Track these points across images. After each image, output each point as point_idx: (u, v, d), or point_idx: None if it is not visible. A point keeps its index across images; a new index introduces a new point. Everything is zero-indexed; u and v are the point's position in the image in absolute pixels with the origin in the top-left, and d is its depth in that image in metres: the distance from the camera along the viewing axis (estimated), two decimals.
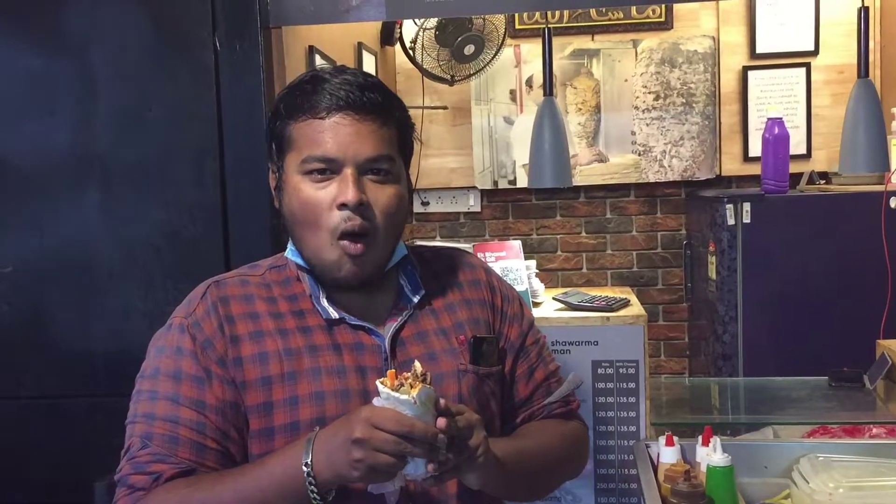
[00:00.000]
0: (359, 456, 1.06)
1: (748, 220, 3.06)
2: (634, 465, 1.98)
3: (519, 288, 2.39)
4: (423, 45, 3.27)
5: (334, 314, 1.25)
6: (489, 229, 3.97)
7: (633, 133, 3.78)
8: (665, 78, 3.74)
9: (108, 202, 2.11)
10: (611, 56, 3.78)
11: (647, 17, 3.75)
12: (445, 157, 3.88)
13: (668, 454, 1.87)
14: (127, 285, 2.11)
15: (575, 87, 3.80)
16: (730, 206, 3.06)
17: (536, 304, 2.53)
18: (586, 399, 2.24)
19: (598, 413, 2.26)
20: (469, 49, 3.31)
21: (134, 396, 1.23)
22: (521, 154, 3.78)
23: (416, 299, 1.31)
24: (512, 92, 3.83)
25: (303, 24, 2.18)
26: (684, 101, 3.74)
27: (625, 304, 2.42)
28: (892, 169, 2.89)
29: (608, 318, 2.30)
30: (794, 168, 3.23)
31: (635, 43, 3.76)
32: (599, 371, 2.26)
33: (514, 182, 3.86)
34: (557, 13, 3.71)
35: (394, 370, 1.11)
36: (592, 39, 3.79)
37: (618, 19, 3.76)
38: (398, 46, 3.44)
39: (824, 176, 3.45)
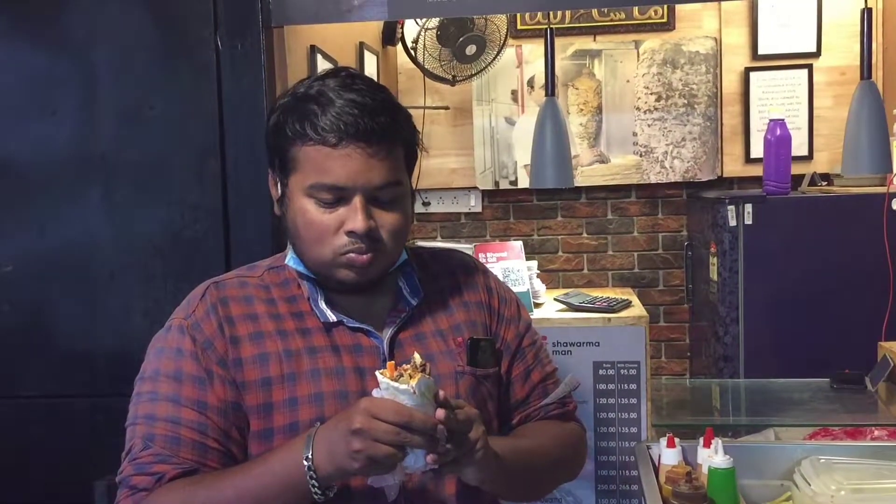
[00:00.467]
0: (358, 446, 1.06)
1: (750, 222, 3.05)
2: (635, 467, 1.98)
3: (520, 289, 2.39)
4: (424, 45, 3.26)
5: (332, 317, 1.26)
6: (490, 230, 3.97)
7: (635, 134, 3.78)
8: (667, 79, 3.74)
9: (110, 201, 2.10)
10: (612, 57, 3.77)
11: (649, 17, 3.74)
12: (446, 158, 3.87)
13: (669, 455, 1.87)
14: (128, 285, 2.11)
15: (576, 88, 3.80)
16: (731, 208, 3.05)
17: (538, 305, 2.52)
18: (587, 400, 2.24)
19: (600, 414, 2.26)
20: (471, 49, 3.30)
21: (134, 398, 1.24)
22: (522, 154, 3.78)
23: (414, 302, 1.31)
24: (513, 92, 3.83)
25: (304, 23, 2.18)
26: (686, 102, 3.73)
27: (626, 305, 2.42)
28: (895, 170, 2.89)
29: (609, 319, 2.30)
30: (795, 169, 3.23)
31: (637, 44, 3.76)
32: (601, 372, 2.26)
33: (515, 182, 3.86)
34: (559, 14, 3.71)
35: (393, 362, 1.11)
36: (594, 40, 3.79)
37: (620, 20, 3.75)
38: (400, 46, 3.44)
39: (826, 177, 3.44)
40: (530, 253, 3.69)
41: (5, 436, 2.13)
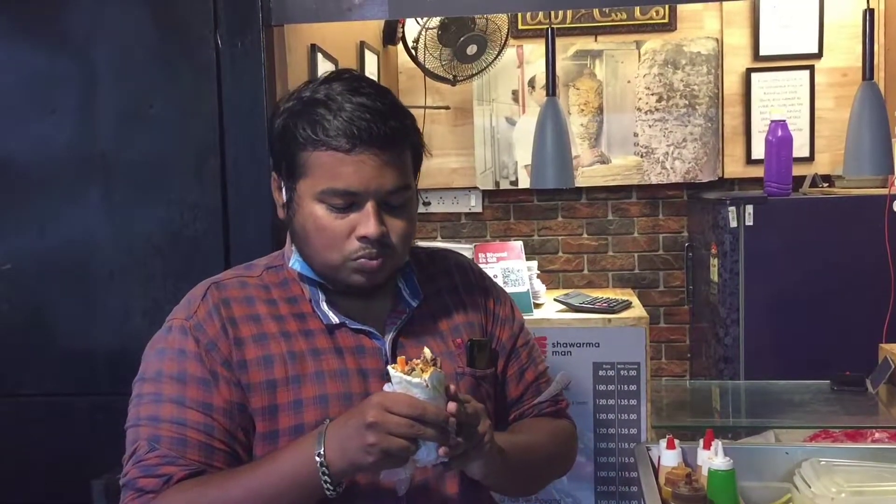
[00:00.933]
0: (372, 440, 1.06)
1: (750, 223, 3.05)
2: (635, 468, 1.97)
3: (520, 289, 2.38)
4: (425, 44, 3.26)
5: (335, 319, 1.26)
6: (490, 230, 3.96)
7: (636, 134, 3.77)
8: (668, 79, 3.74)
9: (109, 200, 2.10)
10: (614, 57, 3.77)
11: (651, 18, 3.74)
12: (447, 158, 3.87)
13: (669, 457, 1.86)
14: (127, 284, 2.10)
15: (577, 88, 3.79)
16: (732, 209, 3.05)
17: (538, 306, 2.52)
18: (587, 401, 2.24)
19: (599, 415, 2.25)
20: (471, 49, 3.30)
21: (134, 400, 1.22)
22: (522, 155, 3.77)
23: (414, 304, 1.31)
24: (514, 92, 3.82)
25: (305, 22, 2.17)
26: (687, 102, 3.73)
27: (626, 305, 2.41)
28: None
29: (610, 319, 2.29)
30: (796, 171, 3.23)
31: (638, 44, 3.75)
32: (600, 373, 2.26)
33: (515, 183, 3.85)
34: (560, 14, 3.70)
35: (403, 357, 1.12)
36: (595, 40, 3.78)
37: (621, 20, 3.75)
38: (400, 46, 3.43)
39: (827, 179, 3.44)
40: (530, 253, 3.68)
41: (5, 434, 2.13)
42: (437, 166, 3.85)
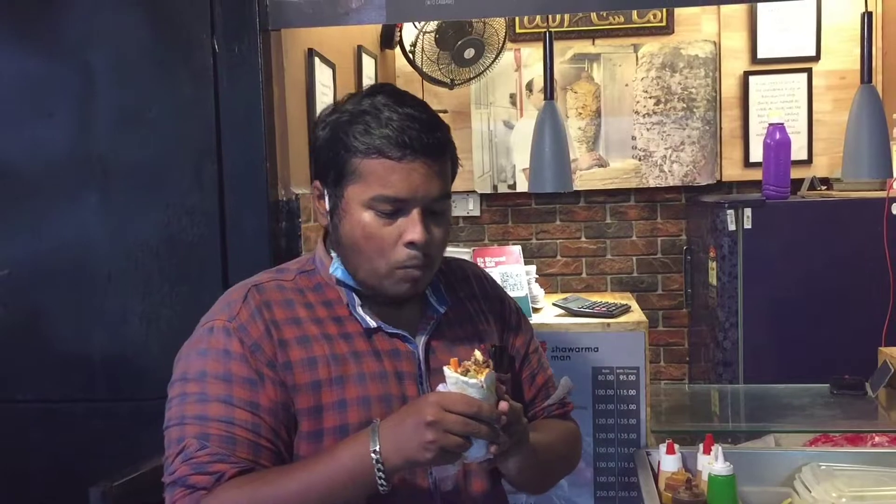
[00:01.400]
0: (431, 437, 1.11)
1: (749, 226, 3.04)
2: (635, 473, 1.97)
3: (518, 293, 2.37)
4: (422, 48, 3.25)
5: (372, 323, 1.31)
6: (488, 234, 3.96)
7: (634, 138, 3.77)
8: (666, 82, 3.73)
9: (106, 204, 2.09)
10: (611, 60, 3.77)
11: (648, 21, 3.74)
12: None
13: (668, 462, 1.86)
14: (125, 288, 2.09)
15: (575, 92, 3.79)
16: (731, 212, 3.05)
17: (536, 310, 2.51)
18: (586, 406, 2.23)
19: (599, 420, 2.24)
20: (469, 53, 3.29)
21: (177, 399, 1.25)
22: (520, 158, 3.77)
23: (442, 310, 1.37)
24: (512, 96, 3.82)
25: (302, 26, 2.17)
26: (685, 105, 3.73)
27: (625, 310, 2.40)
28: (895, 175, 2.88)
29: (609, 324, 2.28)
30: (795, 174, 3.22)
31: (636, 47, 3.75)
32: (600, 378, 2.25)
33: (513, 186, 3.85)
34: (558, 17, 3.70)
35: (456, 359, 1.17)
36: (593, 44, 3.78)
37: (619, 24, 3.74)
38: (398, 50, 3.43)
39: (825, 182, 3.44)
40: (529, 257, 3.68)
41: (1, 440, 2.12)
42: None
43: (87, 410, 2.11)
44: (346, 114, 1.27)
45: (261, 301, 1.28)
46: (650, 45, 3.74)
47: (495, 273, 2.37)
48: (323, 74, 2.51)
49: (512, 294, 2.33)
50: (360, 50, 2.99)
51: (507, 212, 3.94)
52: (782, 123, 3.16)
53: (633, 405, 2.24)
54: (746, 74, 3.70)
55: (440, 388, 1.17)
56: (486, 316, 1.45)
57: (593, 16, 3.72)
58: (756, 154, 3.59)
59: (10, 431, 2.12)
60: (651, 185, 3.79)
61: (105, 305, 2.10)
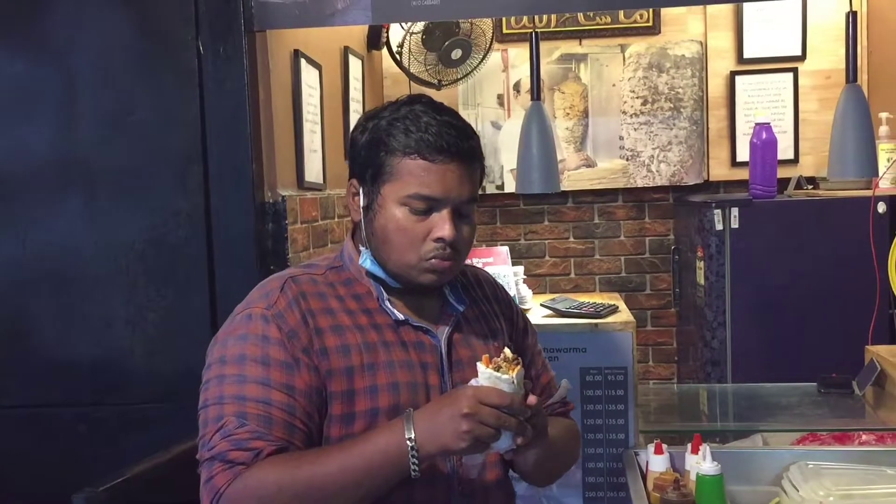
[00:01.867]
0: (467, 427, 1.19)
1: (736, 226, 3.05)
2: (623, 474, 1.97)
3: None
4: (410, 49, 3.25)
5: (400, 315, 1.40)
6: (477, 234, 3.95)
7: (621, 138, 3.78)
8: (653, 83, 3.74)
9: (91, 208, 2.08)
10: (598, 61, 3.77)
11: (635, 21, 3.74)
12: None
13: (657, 462, 1.86)
14: (110, 291, 2.08)
15: (563, 92, 3.79)
16: (718, 211, 3.05)
17: (524, 311, 2.51)
18: (575, 407, 2.22)
19: (587, 420, 2.24)
20: (456, 53, 3.29)
21: (214, 380, 1.31)
22: (508, 159, 3.77)
23: (461, 308, 1.47)
24: (499, 96, 3.82)
25: (287, 27, 2.16)
26: (672, 105, 3.73)
27: (613, 310, 2.40)
28: (880, 174, 2.89)
29: (596, 324, 2.28)
30: (781, 173, 3.23)
31: (623, 47, 3.76)
32: (588, 378, 2.25)
33: (501, 187, 3.85)
34: (545, 17, 3.70)
35: (487, 355, 1.26)
36: (580, 44, 3.78)
37: (605, 24, 3.75)
38: (385, 51, 3.42)
39: (812, 181, 3.45)
40: (517, 257, 3.67)
41: None
42: None
43: (71, 415, 2.09)
44: (385, 119, 1.37)
45: (297, 291, 1.36)
46: (637, 46, 3.75)
47: None
48: (309, 75, 2.50)
49: None
50: (346, 51, 2.98)
51: (495, 212, 3.94)
52: (769, 123, 3.17)
53: (622, 405, 2.24)
54: (733, 74, 3.71)
55: (472, 382, 1.24)
56: (498, 317, 1.55)
57: (580, 16, 3.72)
58: (743, 153, 3.60)
59: None
60: (639, 185, 3.80)
61: (90, 309, 2.08)
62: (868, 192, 2.98)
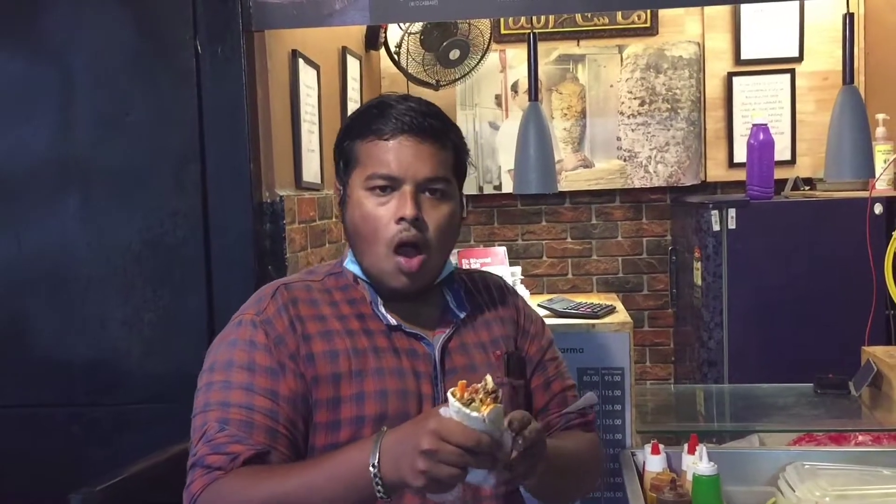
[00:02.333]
0: (423, 467, 1.09)
1: (733, 226, 3.05)
2: (620, 474, 1.97)
3: None
4: (408, 49, 3.25)
5: (393, 321, 1.37)
6: (474, 234, 3.95)
7: (619, 139, 3.78)
8: (650, 83, 3.74)
9: (87, 208, 2.08)
10: (596, 61, 3.77)
11: (633, 22, 3.75)
12: None
13: (653, 462, 1.86)
14: (106, 292, 2.08)
15: (560, 93, 3.79)
16: (715, 212, 3.05)
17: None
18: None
19: None
20: (454, 54, 3.29)
21: (204, 388, 1.30)
22: (506, 159, 3.77)
23: (462, 315, 1.42)
24: (497, 97, 3.82)
25: (285, 27, 2.16)
26: (669, 106, 3.74)
27: (610, 311, 2.40)
28: (877, 175, 2.89)
29: (594, 325, 2.28)
30: (778, 174, 3.23)
31: (620, 48, 3.76)
32: (585, 379, 2.25)
33: (499, 187, 3.85)
34: (543, 18, 3.70)
35: (464, 381, 1.12)
36: (578, 45, 3.79)
37: (603, 25, 3.75)
38: (383, 51, 3.42)
39: (809, 182, 3.45)
40: (514, 258, 3.67)
41: None
42: None
43: (66, 415, 2.09)
44: (357, 112, 1.40)
45: (288, 298, 1.35)
46: (634, 46, 3.75)
47: None
48: (307, 76, 2.50)
49: None
50: (344, 51, 2.98)
51: (492, 213, 3.94)
52: (766, 124, 3.17)
53: (619, 405, 2.24)
54: (730, 75, 3.71)
55: (442, 411, 1.11)
56: (503, 322, 1.48)
57: (578, 17, 3.73)
58: (740, 154, 3.61)
59: None
60: (636, 186, 3.80)
61: (86, 310, 2.08)
62: (865, 194, 2.99)
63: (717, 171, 3.76)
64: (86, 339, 2.08)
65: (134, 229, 2.07)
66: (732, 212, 3.04)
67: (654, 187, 3.81)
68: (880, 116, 3.16)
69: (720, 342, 3.07)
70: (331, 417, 1.30)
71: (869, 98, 3.42)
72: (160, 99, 2.06)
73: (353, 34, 3.21)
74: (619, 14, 3.71)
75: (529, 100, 2.34)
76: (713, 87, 3.74)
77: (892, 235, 2.54)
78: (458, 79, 3.40)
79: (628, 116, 3.76)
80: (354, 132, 1.37)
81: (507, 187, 3.80)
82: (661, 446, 1.89)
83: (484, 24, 3.29)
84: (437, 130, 1.35)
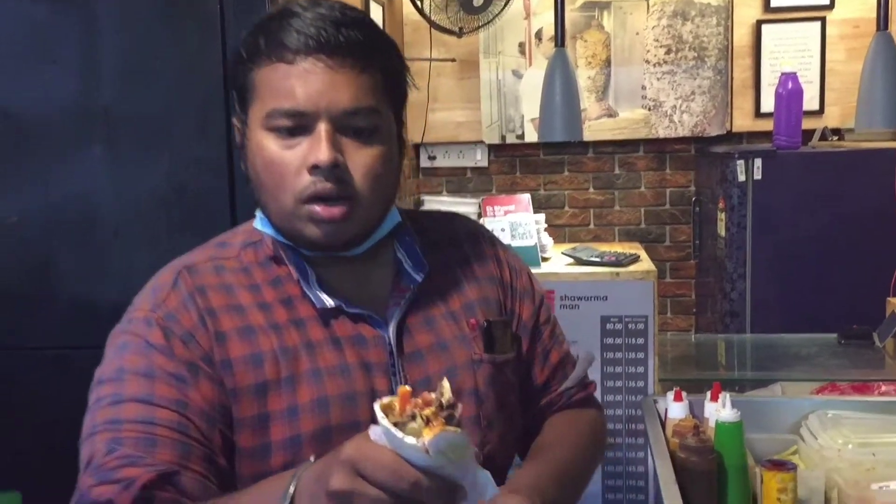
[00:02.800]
0: None
1: (759, 177, 3.02)
2: (642, 420, 1.98)
3: (528, 242, 2.37)
4: None
5: (329, 302, 1.05)
6: (496, 184, 3.94)
7: (644, 87, 3.73)
8: (677, 31, 3.68)
9: (113, 154, 2.08)
10: (622, 9, 3.71)
11: None
12: (453, 111, 3.83)
13: (676, 409, 1.87)
14: (132, 238, 2.09)
15: (585, 41, 3.74)
16: (740, 163, 3.02)
17: (545, 259, 2.51)
18: (594, 354, 2.24)
19: (607, 368, 2.26)
20: (478, 0, 3.25)
21: (91, 408, 1.02)
22: (529, 108, 3.73)
23: (419, 278, 1.11)
24: (521, 45, 3.77)
25: None
26: (696, 55, 3.68)
27: (635, 259, 2.40)
28: None
29: (618, 273, 2.28)
30: (806, 124, 3.19)
31: None
32: (608, 326, 2.26)
33: (522, 137, 3.82)
34: None
35: (409, 389, 0.79)
36: None
37: None
38: None
39: (837, 132, 3.40)
40: (537, 208, 3.65)
41: (13, 386, 2.14)
42: (443, 120, 3.81)
43: (92, 357, 2.11)
44: (254, 26, 1.05)
45: (193, 286, 1.05)
46: None
47: (504, 222, 2.37)
48: None
49: (521, 243, 2.34)
50: None
51: (514, 162, 3.92)
52: (795, 73, 3.12)
53: (641, 353, 2.25)
54: (759, 23, 3.64)
55: (371, 431, 0.78)
56: (481, 283, 1.17)
57: None
58: (767, 104, 3.55)
59: (21, 377, 2.14)
60: (660, 136, 3.76)
61: (112, 254, 2.10)
62: (893, 144, 2.95)
63: (743, 120, 3.72)
64: (113, 284, 2.11)
65: (159, 176, 2.08)
66: (759, 162, 3.01)
67: (679, 137, 3.77)
68: None
69: (742, 293, 3.06)
70: (258, 441, 1.00)
71: None
72: (184, 44, 2.05)
73: None
74: None
75: (556, 45, 2.31)
76: (741, 36, 3.68)
77: None
78: (482, 26, 3.36)
79: (654, 65, 3.71)
80: (248, 54, 1.03)
81: (530, 136, 3.78)
82: (683, 393, 1.89)
83: None
84: (358, 45, 1.00)
